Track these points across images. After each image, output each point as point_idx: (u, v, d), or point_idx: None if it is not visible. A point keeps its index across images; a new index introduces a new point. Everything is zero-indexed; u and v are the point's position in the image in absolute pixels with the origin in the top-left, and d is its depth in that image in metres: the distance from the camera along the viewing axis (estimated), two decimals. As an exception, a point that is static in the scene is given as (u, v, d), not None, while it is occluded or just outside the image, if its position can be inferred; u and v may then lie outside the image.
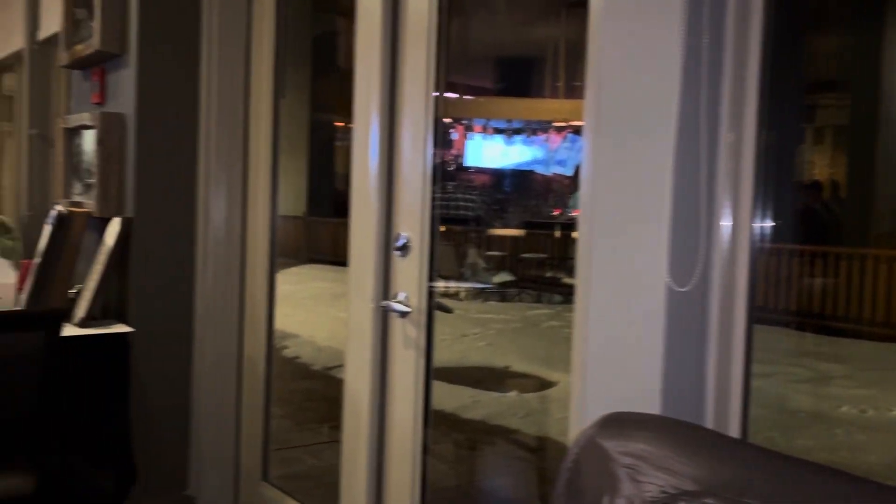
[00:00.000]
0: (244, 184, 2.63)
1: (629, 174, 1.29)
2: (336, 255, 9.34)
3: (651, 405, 1.22)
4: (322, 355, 6.00)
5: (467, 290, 8.05)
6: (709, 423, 1.25)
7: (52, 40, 4.22)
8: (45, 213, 4.31)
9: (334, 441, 3.99)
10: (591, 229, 1.35)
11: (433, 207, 1.92)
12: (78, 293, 2.55)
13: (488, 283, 8.29)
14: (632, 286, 1.27)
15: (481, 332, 6.59)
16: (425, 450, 1.94)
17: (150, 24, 2.48)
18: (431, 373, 1.95)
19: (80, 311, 2.44)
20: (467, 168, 11.05)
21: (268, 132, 2.56)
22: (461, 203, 9.28)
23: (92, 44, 2.55)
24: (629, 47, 1.29)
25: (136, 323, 2.49)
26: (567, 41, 9.70)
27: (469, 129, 10.67)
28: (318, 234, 9.56)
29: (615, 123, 1.31)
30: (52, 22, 4.05)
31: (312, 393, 5.30)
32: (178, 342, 2.60)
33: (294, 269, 8.92)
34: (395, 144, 2.00)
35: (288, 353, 5.86)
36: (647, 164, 1.26)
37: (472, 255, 8.58)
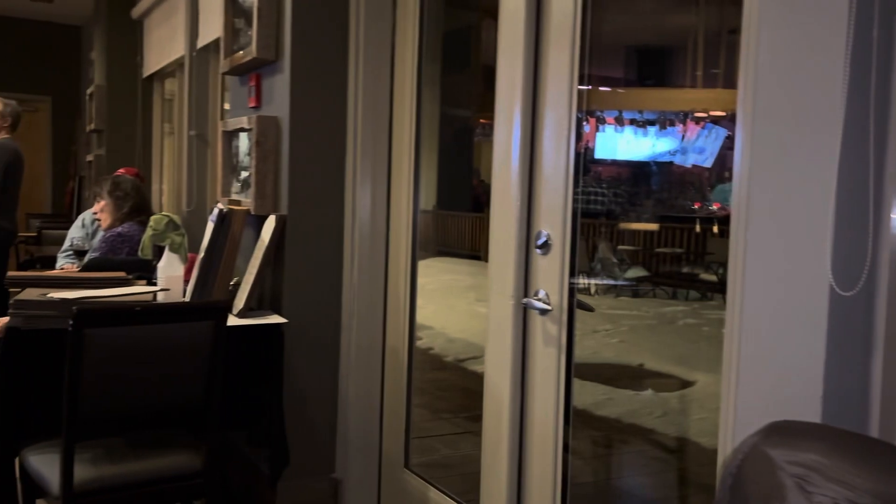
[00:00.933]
0: (388, 181, 2.73)
1: (788, 170, 1.24)
2: (463, 248, 9.45)
3: (811, 412, 1.18)
4: (454, 347, 6.10)
5: (597, 285, 7.94)
6: (873, 433, 1.20)
7: (209, 48, 4.52)
8: (204, 209, 4.63)
9: (468, 432, 4.07)
10: (745, 226, 1.32)
11: (575, 204, 1.93)
12: (237, 285, 2.73)
13: (620, 279, 8.14)
14: (791, 287, 1.23)
15: (613, 328, 6.48)
16: (566, 448, 1.95)
17: (302, 31, 2.62)
18: (572, 371, 1.96)
19: (240, 302, 2.62)
20: (598, 160, 10.87)
21: (410, 130, 2.65)
22: (591, 196, 9.14)
23: (250, 51, 2.72)
24: (790, 38, 1.24)
25: (289, 314, 2.65)
26: (706, 29, 9.34)
27: (601, 120, 10.48)
28: (447, 228, 9.72)
29: (773, 117, 1.27)
30: (209, 31, 4.35)
31: (445, 383, 5.40)
32: (326, 333, 2.74)
33: (424, 262, 9.11)
34: (536, 140, 2.02)
35: (421, 344, 6.00)
36: (808, 159, 1.21)
37: (603, 249, 8.44)
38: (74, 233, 4.38)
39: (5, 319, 2.70)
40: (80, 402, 1.95)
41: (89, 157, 6.88)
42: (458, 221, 9.71)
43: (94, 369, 1.95)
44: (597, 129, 10.66)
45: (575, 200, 1.93)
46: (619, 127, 10.90)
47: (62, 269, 4.14)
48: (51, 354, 2.17)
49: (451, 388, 5.32)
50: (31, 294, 2.36)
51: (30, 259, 6.11)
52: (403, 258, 2.70)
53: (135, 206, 3.35)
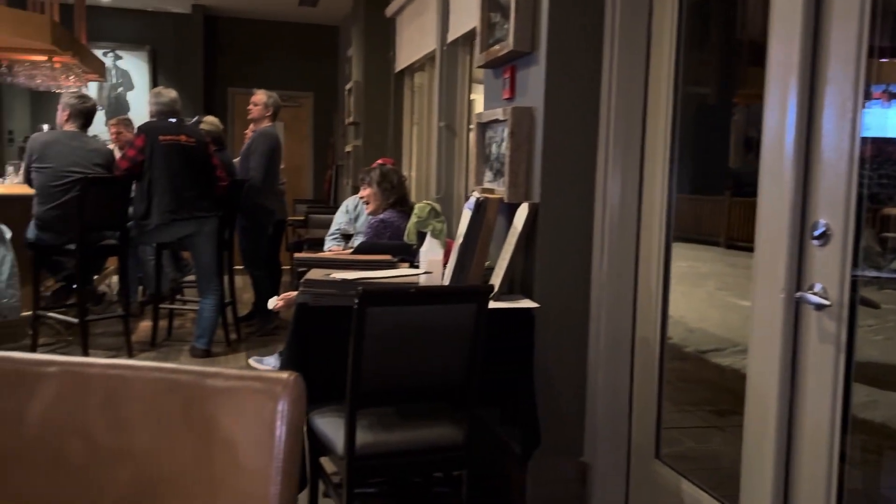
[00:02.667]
0: (640, 167, 2.70)
1: None
2: (698, 234, 9.00)
3: None
4: (694, 337, 5.88)
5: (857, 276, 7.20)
6: None
7: (458, 42, 4.73)
8: (451, 197, 4.87)
9: (713, 426, 3.92)
10: None
11: (860, 189, 1.78)
12: (490, 270, 2.86)
13: (884, 269, 7.32)
14: None
15: (877, 323, 5.87)
16: (842, 457, 1.82)
17: (558, 23, 2.66)
18: (853, 373, 1.82)
19: (493, 286, 2.74)
20: (863, 139, 9.84)
21: (667, 113, 2.59)
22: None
23: (506, 44, 2.82)
24: None
25: (540, 299, 2.73)
26: None
27: (867, 95, 9.48)
28: (681, 212, 9.33)
29: None
30: (459, 26, 4.54)
31: (686, 375, 5.23)
32: (576, 319, 2.78)
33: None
34: (813, 120, 1.89)
35: (659, 333, 5.84)
36: None
37: (866, 237, 7.64)
38: (339, 218, 4.82)
39: (293, 294, 3.04)
40: (361, 374, 2.16)
41: (348, 148, 7.49)
42: (694, 205, 9.29)
43: (373, 344, 2.15)
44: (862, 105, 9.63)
45: (860, 185, 1.78)
46: (886, 102, 9.78)
47: (330, 250, 4.58)
48: (331, 328, 2.44)
49: (692, 379, 5.13)
50: (316, 274, 2.65)
51: (298, 241, 6.82)
52: (656, 246, 2.66)
53: (398, 198, 3.61)
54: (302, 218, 6.89)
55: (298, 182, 9.19)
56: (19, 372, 1.01)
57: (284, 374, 0.98)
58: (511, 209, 2.87)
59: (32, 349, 4.84)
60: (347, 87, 7.29)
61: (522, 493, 2.71)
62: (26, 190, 4.80)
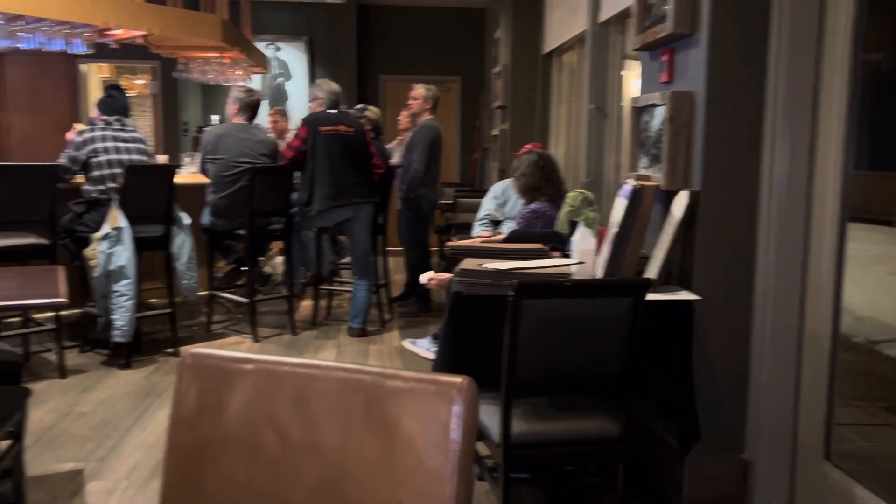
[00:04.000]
0: (810, 144, 2.54)
1: None
2: (865, 213, 8.33)
3: None
4: (863, 326, 5.47)
5: None
6: None
7: (609, 22, 4.62)
8: (601, 181, 4.79)
9: (887, 424, 3.65)
10: None
11: None
12: (645, 260, 2.80)
13: None
14: None
15: None
16: None
17: (722, 2, 2.54)
18: None
19: (650, 277, 2.68)
20: None
21: (844, 85, 2.43)
22: None
23: (665, 27, 2.73)
24: None
25: (699, 291, 2.64)
26: None
27: None
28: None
29: None
30: (611, 6, 4.43)
31: (853, 367, 4.89)
32: (738, 311, 2.67)
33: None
34: None
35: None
36: None
37: None
38: (487, 203, 4.87)
39: (448, 276, 3.12)
40: (517, 363, 2.19)
41: (494, 132, 7.53)
42: (864, 182, 8.60)
43: (528, 335, 2.18)
44: None
45: None
46: None
47: (479, 235, 4.65)
48: (486, 317, 2.48)
49: (861, 372, 4.80)
50: (470, 264, 2.70)
51: (447, 225, 6.95)
52: (829, 229, 2.50)
53: (552, 190, 3.58)
54: (450, 202, 7.00)
55: (445, 165, 9.28)
56: (221, 368, 1.12)
57: (458, 378, 1.02)
58: (668, 197, 2.79)
59: (207, 326, 5.26)
60: (495, 70, 7.31)
61: (680, 489, 2.66)
62: (201, 179, 5.19)
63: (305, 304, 5.99)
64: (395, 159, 6.20)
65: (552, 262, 2.76)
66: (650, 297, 2.56)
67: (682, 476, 2.65)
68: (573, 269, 2.72)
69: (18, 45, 4.77)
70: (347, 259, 6.44)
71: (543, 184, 3.58)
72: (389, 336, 5.29)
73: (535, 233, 3.33)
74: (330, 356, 4.74)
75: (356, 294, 5.23)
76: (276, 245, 6.25)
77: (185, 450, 1.10)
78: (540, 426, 2.31)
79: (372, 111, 5.88)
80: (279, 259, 6.55)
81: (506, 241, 3.35)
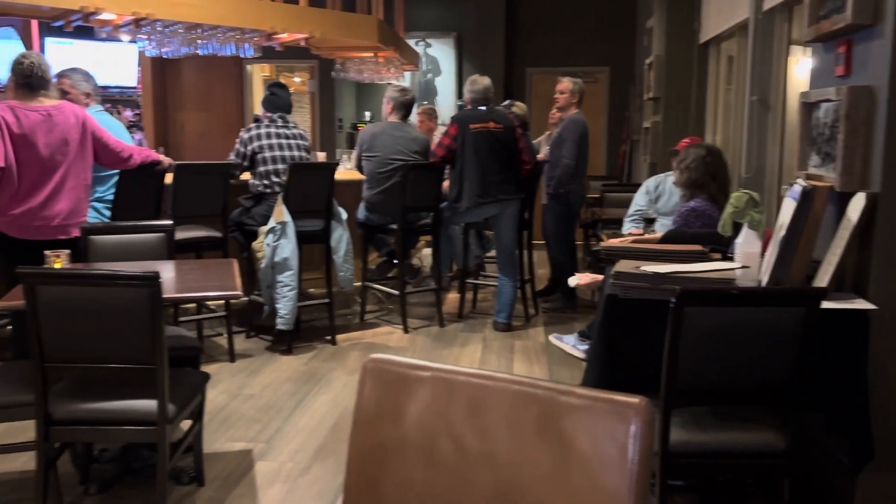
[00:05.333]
0: None
1: None
2: None
3: None
4: None
5: None
6: None
7: (775, 10, 4.37)
8: (763, 176, 4.56)
9: None
10: None
11: None
12: (815, 265, 2.64)
13: None
14: None
15: None
16: None
17: (911, -11, 2.35)
18: None
19: (821, 283, 2.53)
20: None
21: None
22: None
23: (843, 17, 2.55)
24: None
25: (877, 299, 2.46)
26: None
27: None
28: None
29: None
30: (778, -9, 4.19)
31: None
32: (921, 323, 2.47)
33: None
34: None
35: None
36: None
37: None
38: (639, 199, 4.76)
39: (598, 277, 3.09)
40: (677, 372, 2.14)
41: (646, 124, 7.33)
42: None
43: (690, 343, 2.12)
44: None
45: None
46: None
47: (629, 233, 4.55)
48: (641, 321, 2.44)
49: None
50: (625, 266, 2.66)
51: (593, 220, 6.86)
52: None
53: (715, 188, 3.44)
54: (596, 196, 6.90)
55: (592, 158, 9.15)
56: (399, 374, 1.17)
57: (636, 399, 1.02)
58: (842, 199, 2.62)
59: (360, 316, 5.48)
60: (647, 61, 7.10)
61: (850, 509, 2.51)
62: (356, 176, 5.41)
63: (452, 297, 6.11)
64: (542, 154, 6.18)
65: (714, 266, 2.67)
66: (823, 304, 2.42)
67: (853, 495, 2.49)
68: (737, 273, 2.62)
69: (197, 52, 5.15)
70: (492, 253, 6.51)
71: (708, 181, 3.44)
72: (534, 332, 5.30)
73: (694, 233, 3.22)
74: (476, 350, 4.82)
75: (502, 289, 5.27)
76: (424, 238, 6.40)
77: (365, 451, 1.17)
78: (700, 436, 2.25)
79: (519, 107, 5.88)
80: (426, 252, 6.71)
81: (662, 241, 3.26)
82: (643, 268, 2.59)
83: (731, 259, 2.82)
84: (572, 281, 3.24)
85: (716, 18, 5.70)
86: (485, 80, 5.20)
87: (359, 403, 1.18)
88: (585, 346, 4.52)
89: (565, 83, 5.62)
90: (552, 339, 4.96)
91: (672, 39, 6.49)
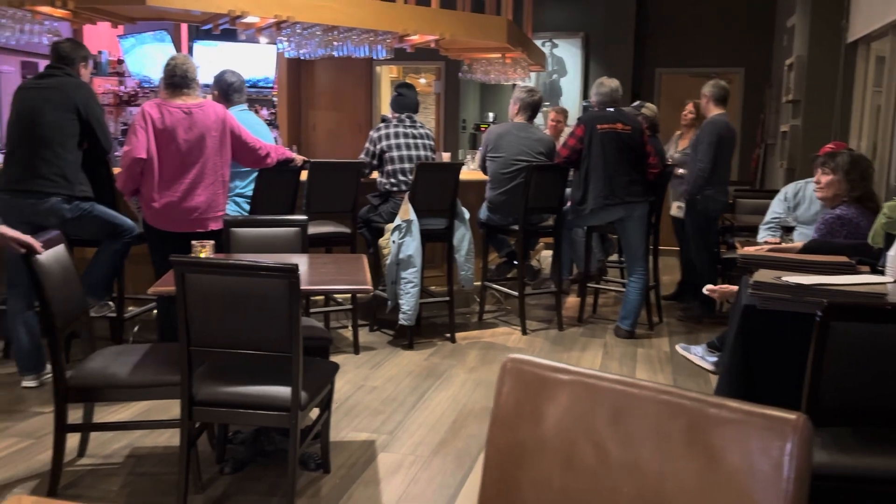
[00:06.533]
0: None
1: None
2: None
3: None
4: None
5: None
6: None
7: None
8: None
9: None
10: None
11: None
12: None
13: None
14: None
15: None
16: None
17: None
18: None
19: None
20: None
21: None
22: None
23: None
24: None
25: None
26: None
27: None
28: None
29: None
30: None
31: None
32: None
33: None
34: None
35: None
36: None
37: None
38: (776, 207, 4.53)
39: (732, 288, 2.97)
40: (819, 390, 2.03)
41: (784, 128, 6.97)
42: None
43: (836, 360, 2.00)
44: None
45: None
46: None
47: (765, 241, 4.35)
48: (780, 333, 2.32)
49: None
50: (764, 276, 2.54)
51: (725, 226, 6.59)
52: None
53: (864, 193, 3.25)
54: (730, 202, 6.62)
55: (723, 162, 8.84)
56: (539, 376, 1.17)
57: (793, 415, 0.97)
58: None
59: (479, 315, 5.51)
60: (788, 61, 6.76)
61: None
62: (479, 176, 5.44)
63: (572, 301, 6.03)
64: (672, 152, 5.99)
65: (863, 279, 2.51)
66: None
67: None
68: (888, 287, 2.45)
69: (333, 53, 5.34)
70: (614, 257, 6.37)
71: (855, 188, 3.24)
72: (658, 340, 5.15)
73: (840, 243, 3.04)
74: (596, 355, 4.74)
75: (628, 294, 5.15)
76: (544, 240, 6.36)
77: (503, 450, 1.17)
78: (844, 459, 2.12)
79: (649, 108, 5.74)
80: (545, 253, 6.66)
81: (803, 250, 3.10)
82: (784, 278, 2.46)
83: (881, 272, 2.64)
84: (706, 289, 3.12)
85: (866, 16, 5.35)
86: (612, 83, 5.10)
87: (497, 402, 1.19)
88: (714, 358, 4.36)
89: (704, 86, 5.41)
90: (679, 348, 4.81)
91: (816, 39, 6.14)
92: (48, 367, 3.80)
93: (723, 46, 8.80)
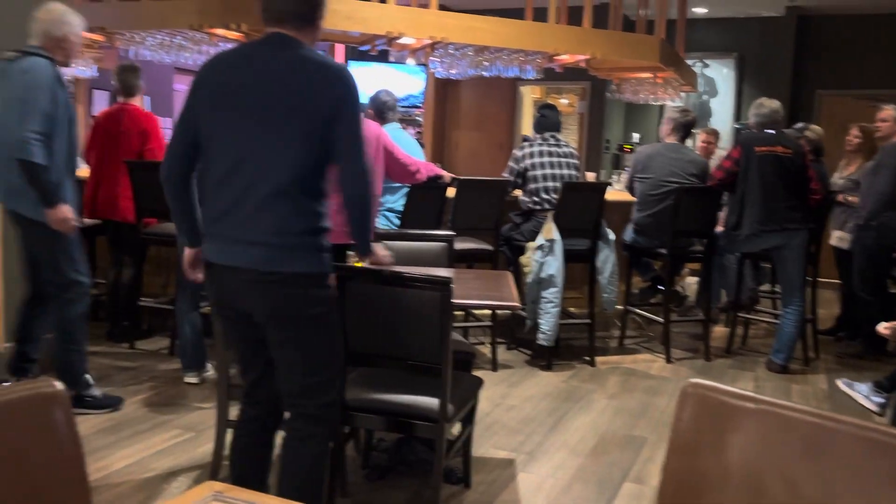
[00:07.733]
0: None
1: None
2: None
3: None
4: None
5: None
6: None
7: None
8: None
9: None
10: None
11: None
12: None
13: None
14: None
15: None
16: None
17: None
18: None
19: None
20: None
21: None
22: None
23: None
24: None
25: None
26: None
27: None
28: None
29: None
30: None
31: None
32: None
33: None
34: None
35: None
36: None
37: None
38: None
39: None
40: None
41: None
42: None
43: None
44: None
45: None
46: None
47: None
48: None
49: None
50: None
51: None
52: None
53: None
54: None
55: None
56: (722, 403, 1.12)
57: None
58: None
59: (620, 340, 5.37)
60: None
61: None
62: (626, 197, 5.32)
63: (720, 330, 5.77)
64: (836, 178, 5.61)
65: None
66: None
67: None
68: None
69: (482, 73, 5.41)
70: (767, 287, 6.04)
71: None
72: (814, 377, 4.83)
73: None
74: (746, 389, 4.49)
75: (783, 327, 4.86)
76: (689, 266, 6.12)
77: (682, 477, 1.13)
78: None
79: (813, 130, 5.42)
80: (690, 280, 6.41)
81: None
82: (977, 317, 2.24)
83: None
84: (879, 327, 2.89)
85: None
86: (773, 104, 4.86)
87: (676, 428, 1.14)
88: (880, 399, 4.03)
89: (888, 111, 5.03)
90: (841, 384, 4.48)
91: None
92: (209, 365, 4.04)
93: (891, 68, 8.20)
